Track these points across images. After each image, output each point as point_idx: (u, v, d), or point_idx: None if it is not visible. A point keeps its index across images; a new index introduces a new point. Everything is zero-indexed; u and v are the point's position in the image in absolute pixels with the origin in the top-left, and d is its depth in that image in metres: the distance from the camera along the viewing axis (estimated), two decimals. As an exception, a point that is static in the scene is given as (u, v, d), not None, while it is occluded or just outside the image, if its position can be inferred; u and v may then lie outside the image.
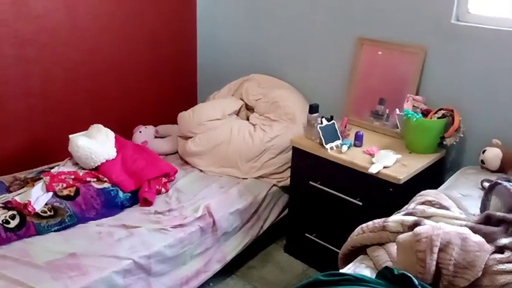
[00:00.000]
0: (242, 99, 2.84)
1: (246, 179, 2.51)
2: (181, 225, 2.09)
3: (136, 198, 2.26)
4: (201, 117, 2.64)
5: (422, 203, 1.71)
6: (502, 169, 2.06)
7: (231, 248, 2.31)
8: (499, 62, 2.10)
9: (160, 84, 3.12)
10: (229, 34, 3.11)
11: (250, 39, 3.01)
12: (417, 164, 2.12)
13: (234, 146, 2.54)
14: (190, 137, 2.64)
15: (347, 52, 2.58)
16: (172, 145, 2.78)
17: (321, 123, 2.25)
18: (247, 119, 2.77)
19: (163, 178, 2.37)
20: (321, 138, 2.22)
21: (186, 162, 2.66)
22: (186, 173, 2.54)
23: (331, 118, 2.30)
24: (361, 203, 2.14)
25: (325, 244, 2.34)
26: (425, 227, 1.36)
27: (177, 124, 2.76)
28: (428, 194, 1.78)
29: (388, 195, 2.04)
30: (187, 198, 2.30)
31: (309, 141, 2.33)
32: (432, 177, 2.22)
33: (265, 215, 2.49)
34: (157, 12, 2.97)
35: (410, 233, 1.37)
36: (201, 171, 2.58)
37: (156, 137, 2.85)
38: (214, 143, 2.57)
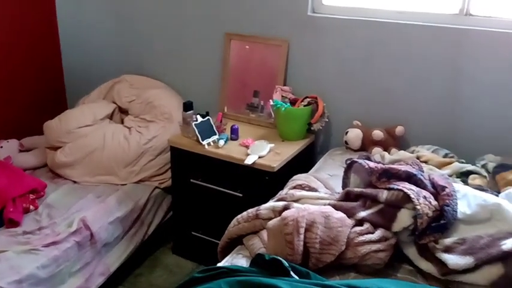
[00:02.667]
0: (115, 102, 2.72)
1: (126, 184, 2.42)
2: (54, 243, 1.94)
3: (0, 220, 2.05)
4: (69, 124, 2.47)
5: (294, 188, 1.79)
6: (363, 147, 2.24)
7: (114, 259, 2.21)
8: (353, 49, 2.27)
9: (21, 93, 2.86)
10: (95, 35, 2.96)
11: (118, 39, 2.89)
12: (289, 151, 2.21)
13: (108, 152, 2.42)
14: (60, 147, 2.46)
15: (217, 48, 2.60)
16: (41, 158, 2.56)
17: (196, 120, 2.25)
18: (122, 122, 2.66)
19: (30, 195, 2.18)
20: (197, 135, 2.22)
21: (58, 175, 2.47)
22: (58, 187, 2.36)
23: (207, 114, 2.31)
24: (241, 195, 2.19)
25: (212, 239, 2.35)
26: (292, 210, 1.43)
27: (43, 135, 2.55)
28: (299, 178, 1.87)
29: (265, 184, 2.10)
30: (59, 213, 2.14)
31: (186, 140, 2.31)
32: (304, 161, 2.34)
33: (149, 219, 2.42)
34: (9, 16, 2.70)
35: (278, 217, 1.42)
36: (74, 182, 2.42)
37: (21, 150, 2.61)
38: (86, 151, 2.42)
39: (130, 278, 2.36)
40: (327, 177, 1.96)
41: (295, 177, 1.91)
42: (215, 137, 2.25)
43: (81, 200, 2.24)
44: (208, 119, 2.27)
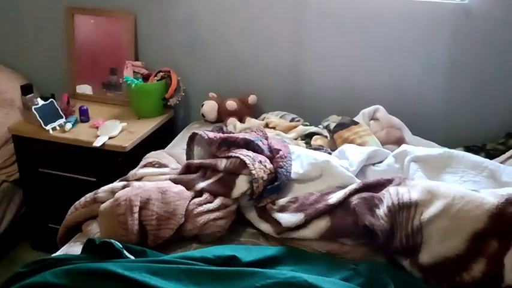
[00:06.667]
0: None
1: (-36, 182, 2.17)
2: None
3: None
4: None
5: (145, 166, 1.74)
6: (220, 119, 2.24)
7: (-42, 265, 2.00)
8: (201, 19, 2.23)
9: None
10: None
11: None
12: (144, 128, 2.14)
13: None
14: None
15: (59, 23, 2.40)
16: None
17: (37, 104, 2.07)
18: (-43, 114, 2.36)
19: None
20: (39, 120, 2.05)
21: None
22: None
23: (52, 97, 2.14)
24: (95, 179, 2.08)
25: (72, 229, 2.22)
26: (125, 190, 1.38)
27: None
28: (150, 156, 1.81)
29: (119, 165, 2.01)
30: None
31: (29, 126, 2.12)
32: (164, 138, 2.27)
33: (-1, 217, 2.22)
34: None
35: (111, 199, 1.37)
36: None
37: None
38: None
39: (-17, 282, 2.15)
40: (180, 152, 1.92)
41: (147, 155, 1.84)
42: (61, 121, 2.10)
43: None
44: (52, 101, 2.10)
